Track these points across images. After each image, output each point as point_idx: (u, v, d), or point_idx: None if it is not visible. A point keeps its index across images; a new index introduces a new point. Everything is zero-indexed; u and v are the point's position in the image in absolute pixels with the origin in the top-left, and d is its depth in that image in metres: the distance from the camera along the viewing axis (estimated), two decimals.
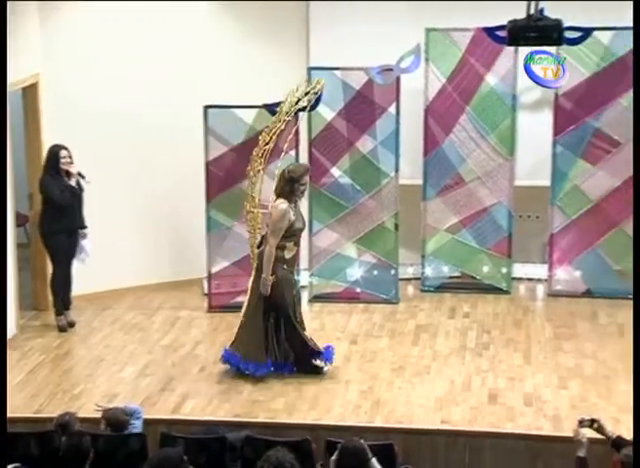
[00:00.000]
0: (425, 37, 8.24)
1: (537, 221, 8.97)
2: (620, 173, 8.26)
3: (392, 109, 8.21)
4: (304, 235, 8.35)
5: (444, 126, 8.46)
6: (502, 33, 7.37)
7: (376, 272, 8.47)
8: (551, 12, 7.16)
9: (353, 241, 8.48)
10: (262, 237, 6.94)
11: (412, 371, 6.93)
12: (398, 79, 8.09)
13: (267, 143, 7.32)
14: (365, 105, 8.22)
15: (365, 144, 8.33)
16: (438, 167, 8.54)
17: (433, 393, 6.57)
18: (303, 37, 8.66)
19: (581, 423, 5.01)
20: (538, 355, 7.20)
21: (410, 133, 8.33)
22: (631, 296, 8.23)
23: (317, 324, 7.94)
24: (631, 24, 7.84)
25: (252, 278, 6.86)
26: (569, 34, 7.72)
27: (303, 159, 8.29)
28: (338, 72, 8.16)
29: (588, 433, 5.05)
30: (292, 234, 6.73)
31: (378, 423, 6.17)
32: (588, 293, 8.46)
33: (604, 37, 8.02)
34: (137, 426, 5.55)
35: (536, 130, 8.51)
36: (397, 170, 8.33)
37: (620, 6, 8.06)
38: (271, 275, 6.64)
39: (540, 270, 8.79)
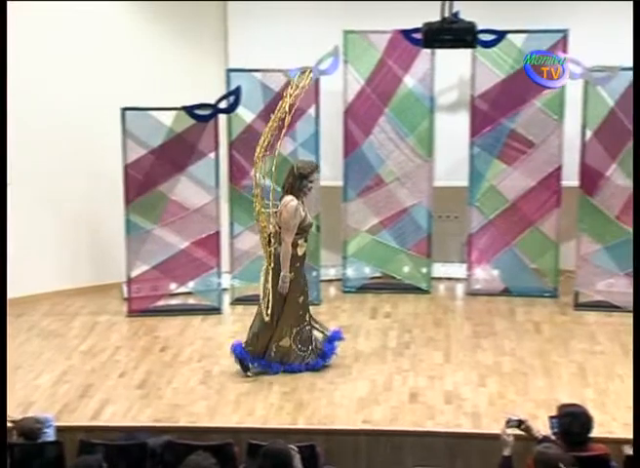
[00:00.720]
0: (343, 39, 8.28)
1: (455, 221, 9.11)
2: (535, 173, 8.42)
3: (312, 111, 8.23)
4: (225, 237, 8.40)
5: (363, 127, 8.52)
6: (419, 35, 7.47)
7: None
8: (467, 14, 7.32)
9: None
10: (269, 236, 6.86)
11: (334, 372, 6.94)
12: (317, 81, 8.11)
13: (267, 144, 7.12)
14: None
15: (285, 146, 8.33)
16: (358, 168, 8.59)
17: (355, 393, 6.59)
18: (222, 38, 8.62)
19: (509, 423, 5.07)
20: (457, 353, 7.28)
21: (330, 134, 8.37)
22: (547, 295, 8.49)
23: (239, 326, 7.90)
24: (542, 27, 8.08)
25: (263, 279, 6.81)
26: (483, 37, 7.90)
27: (223, 161, 8.27)
28: (257, 74, 8.15)
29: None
30: (303, 230, 6.74)
31: (300, 425, 6.17)
32: (506, 292, 8.61)
33: (517, 40, 8.16)
34: (50, 434, 5.45)
35: (453, 131, 8.62)
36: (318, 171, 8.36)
37: (533, 9, 8.27)
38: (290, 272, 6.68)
39: (459, 270, 8.92)
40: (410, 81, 8.41)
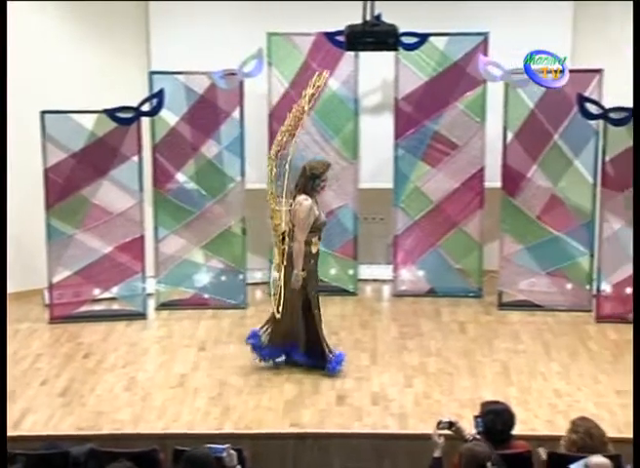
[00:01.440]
0: (267, 41, 8.28)
1: (381, 223, 9.16)
2: (458, 174, 8.53)
3: (236, 114, 8.20)
4: (150, 242, 8.31)
5: None
6: (342, 38, 7.50)
7: (223, 277, 8.45)
8: (389, 17, 7.38)
9: (200, 247, 8.42)
10: (283, 234, 6.89)
11: (261, 376, 6.93)
12: (241, 83, 8.09)
13: (284, 141, 7.08)
14: (209, 110, 8.18)
15: (210, 149, 8.29)
16: (284, 171, 8.58)
17: (283, 397, 6.59)
18: (143, 39, 8.54)
19: (439, 425, 5.11)
20: (384, 354, 7.33)
21: (255, 137, 8.35)
22: (471, 295, 8.60)
23: (165, 331, 7.84)
24: (465, 30, 8.17)
25: (279, 276, 6.89)
26: (405, 40, 7.99)
27: (147, 164, 8.18)
28: (180, 76, 8.09)
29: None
30: (317, 229, 6.80)
31: (227, 429, 6.14)
32: (431, 293, 8.69)
33: (439, 42, 8.27)
34: None
35: (378, 133, 8.69)
36: (243, 174, 8.33)
37: (454, 12, 8.38)
38: (302, 270, 6.69)
39: (385, 271, 8.97)
40: (334, 83, 8.43)
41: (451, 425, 5.09)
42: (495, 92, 8.18)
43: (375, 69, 8.50)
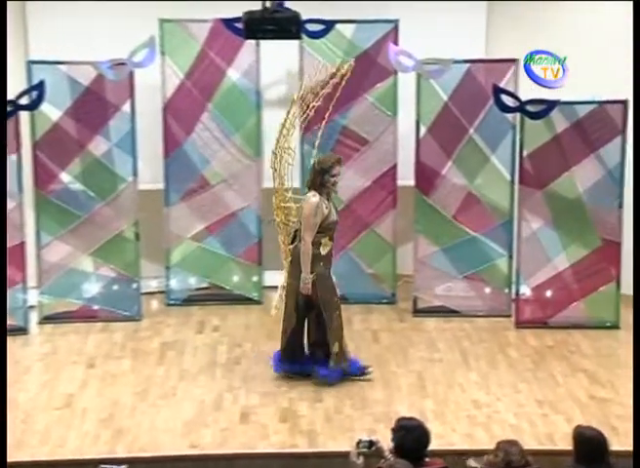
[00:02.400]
0: (160, 29, 8.18)
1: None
2: (369, 172, 8.56)
3: (127, 107, 8.08)
4: (31, 249, 8.11)
5: (185, 125, 8.44)
6: (241, 25, 7.47)
7: (115, 287, 8.33)
8: (293, 3, 7.38)
9: (88, 254, 8.27)
10: (295, 232, 6.87)
11: (157, 394, 6.84)
12: (132, 74, 7.98)
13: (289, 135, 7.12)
14: (96, 103, 8.05)
15: (98, 146, 8.15)
16: (181, 169, 8.50)
17: (181, 416, 6.50)
18: (20, 26, 8.33)
19: (359, 444, 5.08)
20: None
21: (148, 133, 8.25)
22: (385, 301, 8.64)
23: (49, 347, 7.68)
24: (373, 17, 8.22)
25: (284, 278, 6.89)
26: (310, 27, 8.00)
27: (27, 163, 7.99)
28: (62, 66, 7.93)
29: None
30: (326, 229, 6.76)
31: (120, 454, 6.01)
32: (342, 299, 8.59)
33: (347, 30, 8.29)
34: None
35: None
36: (135, 174, 8.21)
37: None
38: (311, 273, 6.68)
39: None
40: (234, 74, 8.39)
41: (371, 444, 5.08)
42: (406, 83, 8.23)
43: (278, 59, 8.47)
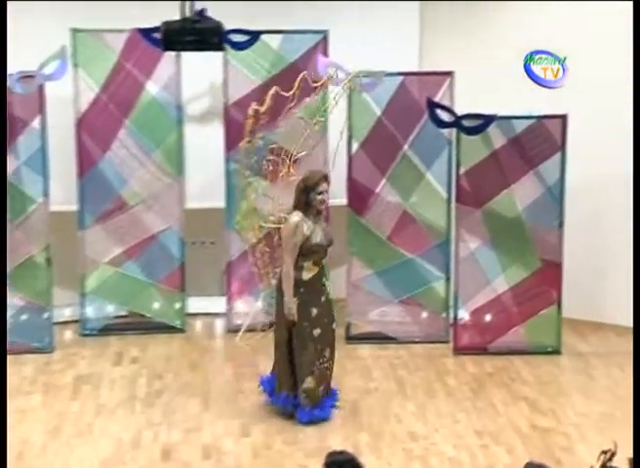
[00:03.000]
0: (72, 39, 8.09)
1: (212, 248, 9.13)
2: None
3: (36, 123, 7.95)
4: None
5: (100, 142, 8.36)
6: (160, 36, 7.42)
7: (25, 316, 8.17)
8: (216, 13, 7.34)
9: None
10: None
11: (71, 431, 6.70)
12: (42, 87, 7.86)
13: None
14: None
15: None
16: (96, 190, 8.41)
17: (97, 455, 6.36)
18: None
19: None
20: (217, 400, 7.23)
21: (60, 150, 8.16)
22: None
23: None
24: (300, 28, 8.21)
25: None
26: (234, 38, 7.97)
27: None
28: None
29: None
30: (309, 251, 6.61)
31: None
32: (271, 326, 8.63)
33: (273, 41, 8.29)
34: None
35: (206, 145, 8.65)
36: (46, 194, 8.08)
37: (290, 9, 8.42)
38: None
39: (217, 303, 8.92)
40: (153, 87, 8.35)
41: None
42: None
43: (200, 72, 8.44)
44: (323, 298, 6.79)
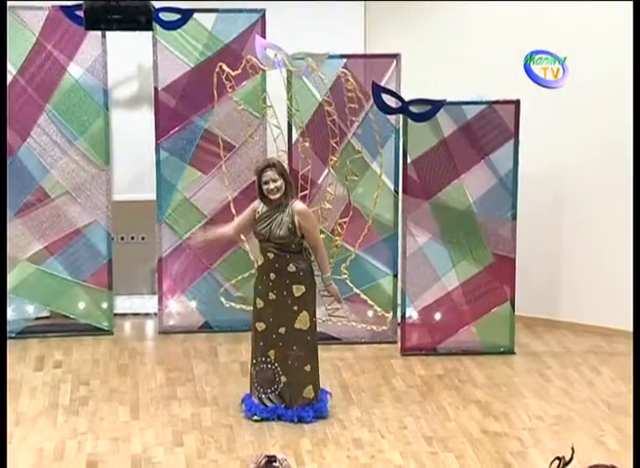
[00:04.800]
0: None
1: (142, 243, 9.12)
2: (236, 181, 8.54)
3: None
4: None
5: (19, 129, 8.32)
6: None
7: None
8: None
9: None
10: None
11: None
12: None
13: None
14: None
15: None
16: (15, 181, 8.35)
17: (16, 467, 6.31)
18: None
19: None
20: (148, 407, 7.22)
21: None
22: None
23: None
24: (235, 7, 8.26)
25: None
26: (164, 17, 7.96)
27: None
28: None
29: None
30: (257, 236, 6.92)
31: None
32: (206, 327, 8.70)
33: (207, 21, 8.29)
34: None
35: (134, 132, 8.66)
36: None
37: None
38: None
39: (148, 303, 8.97)
40: (76, 70, 8.31)
41: None
42: (276, 81, 8.22)
43: (128, 53, 8.44)
44: (272, 295, 6.85)
